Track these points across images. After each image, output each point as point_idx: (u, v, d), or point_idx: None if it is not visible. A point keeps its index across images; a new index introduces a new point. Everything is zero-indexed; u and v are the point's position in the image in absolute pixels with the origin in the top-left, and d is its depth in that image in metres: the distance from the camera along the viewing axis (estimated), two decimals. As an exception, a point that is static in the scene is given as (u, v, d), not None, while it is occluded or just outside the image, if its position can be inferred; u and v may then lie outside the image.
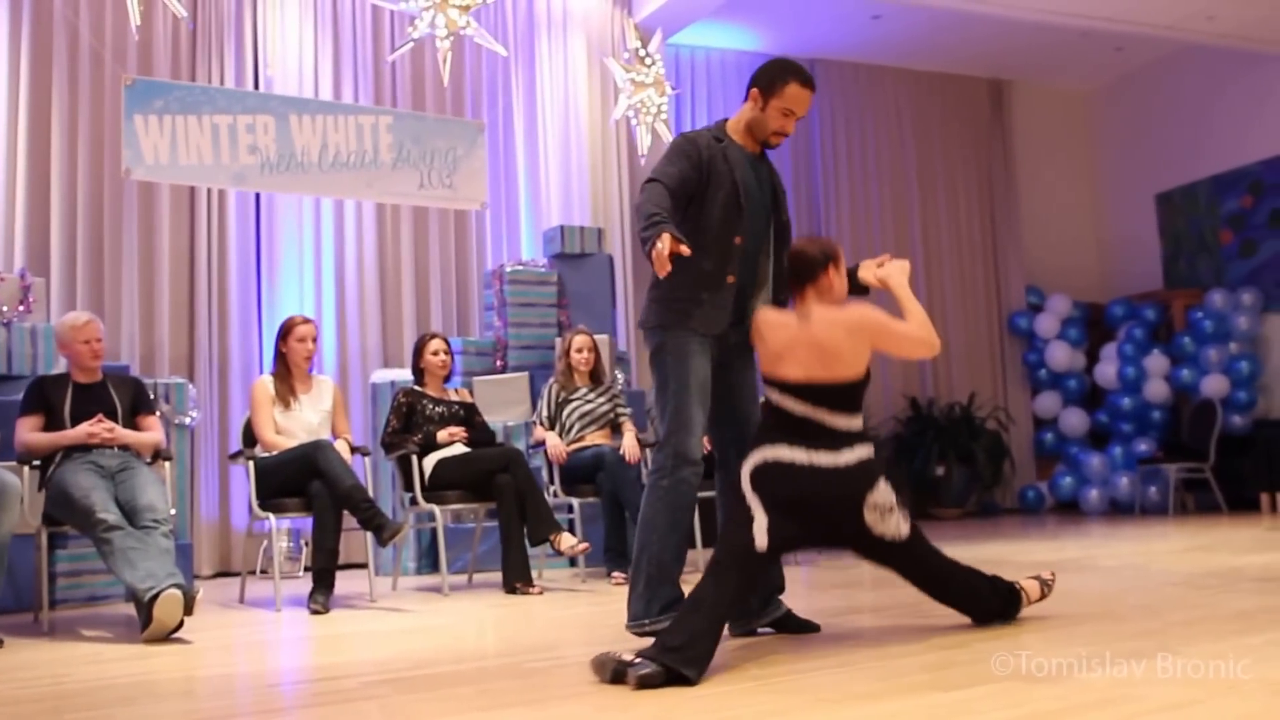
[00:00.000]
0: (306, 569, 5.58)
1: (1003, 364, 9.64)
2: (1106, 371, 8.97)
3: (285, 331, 4.70)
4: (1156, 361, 8.73)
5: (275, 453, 4.46)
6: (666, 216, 2.77)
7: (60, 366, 4.65)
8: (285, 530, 5.88)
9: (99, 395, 4.14)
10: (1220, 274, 9.11)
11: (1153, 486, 8.46)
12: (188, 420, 5.25)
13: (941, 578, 3.00)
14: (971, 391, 9.26)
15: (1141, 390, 8.79)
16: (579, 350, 5.32)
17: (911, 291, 3.08)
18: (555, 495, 5.12)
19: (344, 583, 4.68)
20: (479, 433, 5.01)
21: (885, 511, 2.85)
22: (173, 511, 3.97)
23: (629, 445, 5.09)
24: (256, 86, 6.64)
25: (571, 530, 5.01)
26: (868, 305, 2.97)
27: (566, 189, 7.47)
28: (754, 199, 3.05)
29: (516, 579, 4.60)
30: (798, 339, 2.93)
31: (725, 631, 2.74)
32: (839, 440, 2.85)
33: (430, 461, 4.81)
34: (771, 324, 3.01)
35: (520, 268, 6.61)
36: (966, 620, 3.11)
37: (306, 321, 4.74)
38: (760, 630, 3.12)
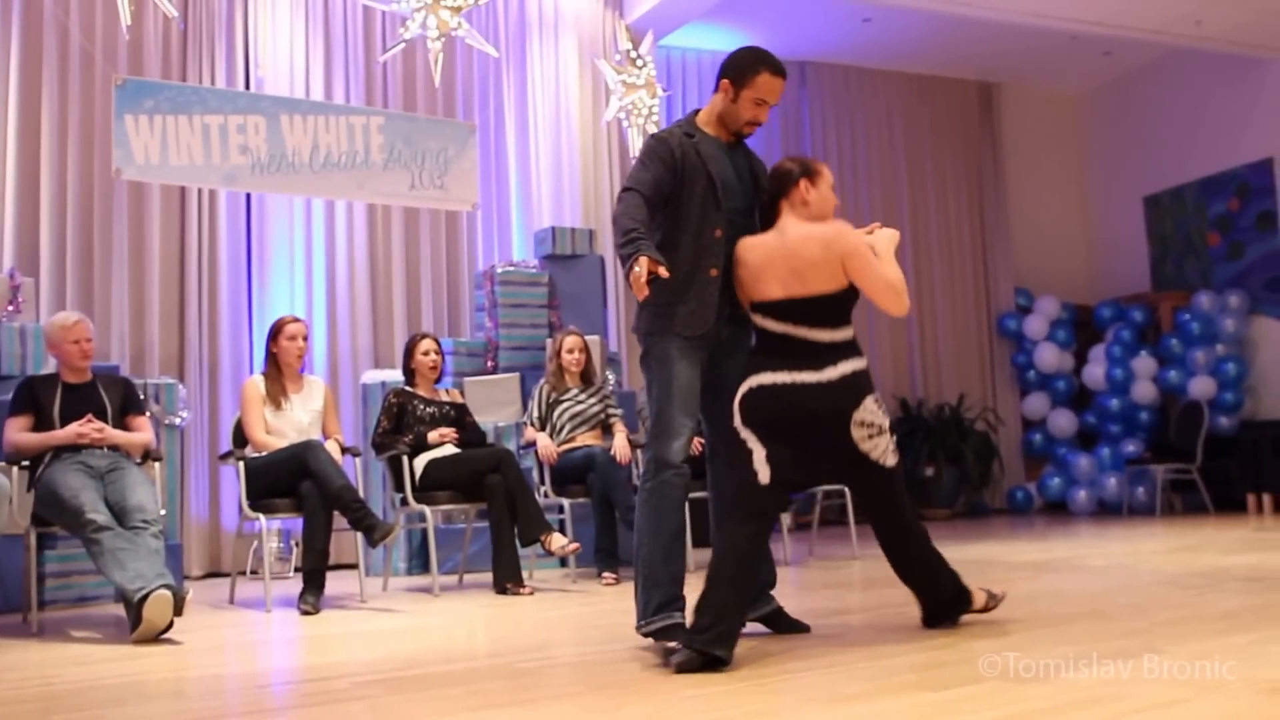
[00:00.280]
0: (297, 569, 5.57)
1: (991, 365, 9.68)
2: (1095, 373, 9.02)
3: (276, 331, 4.70)
4: (1144, 363, 8.78)
5: (266, 453, 4.46)
6: (644, 233, 2.79)
7: (50, 367, 4.64)
8: (275, 531, 5.87)
9: (88, 395, 4.13)
10: (1207, 276, 9.17)
11: (1140, 487, 8.51)
12: (178, 420, 5.24)
13: (910, 537, 2.98)
14: (960, 393, 9.30)
15: (1129, 391, 8.84)
16: (570, 351, 5.33)
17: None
18: (546, 496, 5.12)
19: (334, 583, 4.68)
20: (470, 433, 5.01)
21: (874, 432, 2.83)
22: (162, 512, 3.96)
23: (620, 446, 5.10)
24: (247, 87, 6.63)
25: (562, 531, 5.02)
26: (849, 229, 2.92)
27: (558, 190, 7.48)
28: (731, 190, 3.04)
29: (507, 579, 4.60)
30: (773, 255, 2.91)
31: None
32: (823, 356, 2.82)
33: (421, 462, 4.81)
34: (749, 245, 2.99)
35: (511, 269, 6.61)
36: (956, 620, 3.12)
37: (297, 321, 4.75)
38: (749, 624, 3.07)
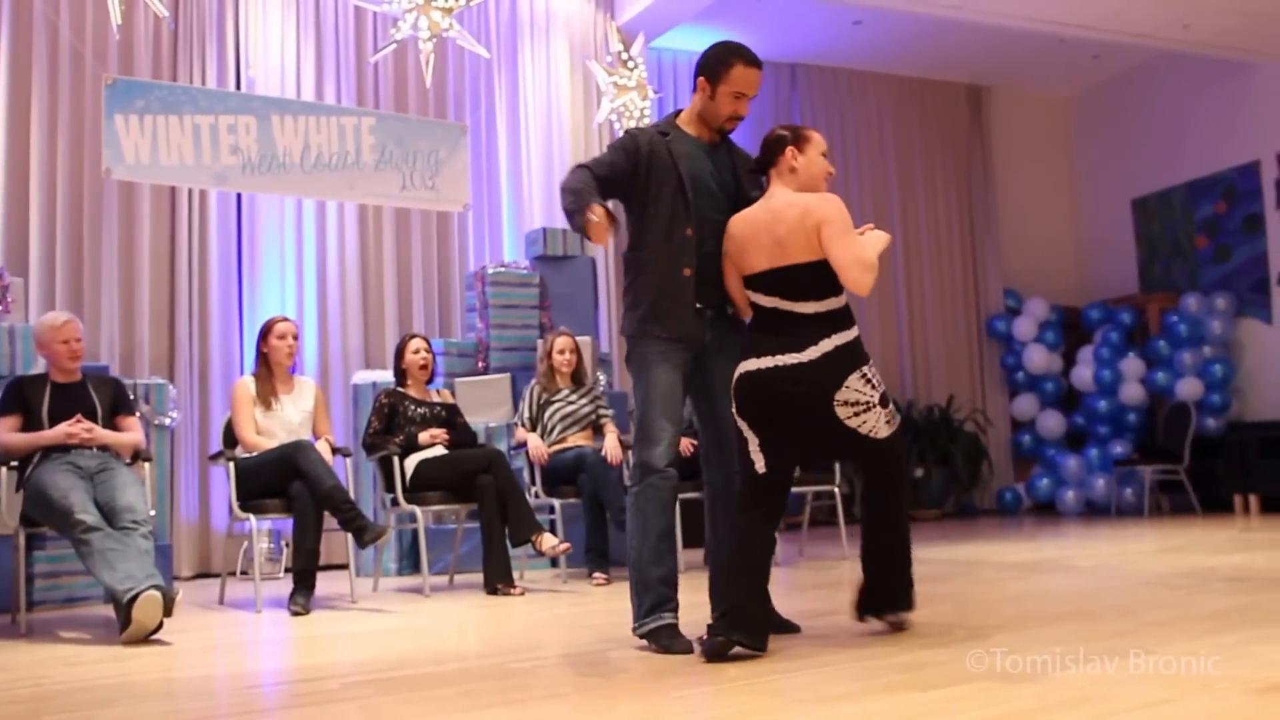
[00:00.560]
0: (287, 570, 5.57)
1: (981, 366, 9.71)
2: (1083, 374, 9.06)
3: (266, 331, 4.70)
4: (1132, 364, 8.82)
5: (256, 453, 4.45)
6: (593, 192, 2.78)
7: (39, 367, 4.62)
8: (266, 531, 5.86)
9: (78, 395, 4.11)
10: (1195, 278, 9.22)
11: (1128, 488, 8.55)
12: (168, 421, 5.22)
13: (892, 515, 2.92)
14: (950, 394, 9.34)
15: (1117, 393, 8.88)
16: (561, 352, 5.33)
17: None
18: (537, 496, 5.13)
19: (325, 584, 4.67)
20: (460, 434, 5.01)
21: (860, 409, 2.77)
22: (152, 513, 3.95)
23: (610, 446, 5.11)
24: (238, 87, 6.62)
25: (553, 531, 5.02)
26: (834, 198, 2.86)
27: (549, 191, 7.48)
28: (704, 189, 3.01)
29: (498, 580, 4.60)
30: (758, 225, 2.88)
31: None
32: (806, 332, 2.77)
33: (411, 463, 4.81)
34: (737, 218, 2.96)
35: (502, 269, 6.61)
36: (945, 620, 3.14)
37: (286, 320, 4.75)
38: None
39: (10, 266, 5.80)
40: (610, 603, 4.15)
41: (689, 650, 2.84)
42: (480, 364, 6.46)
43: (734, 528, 2.84)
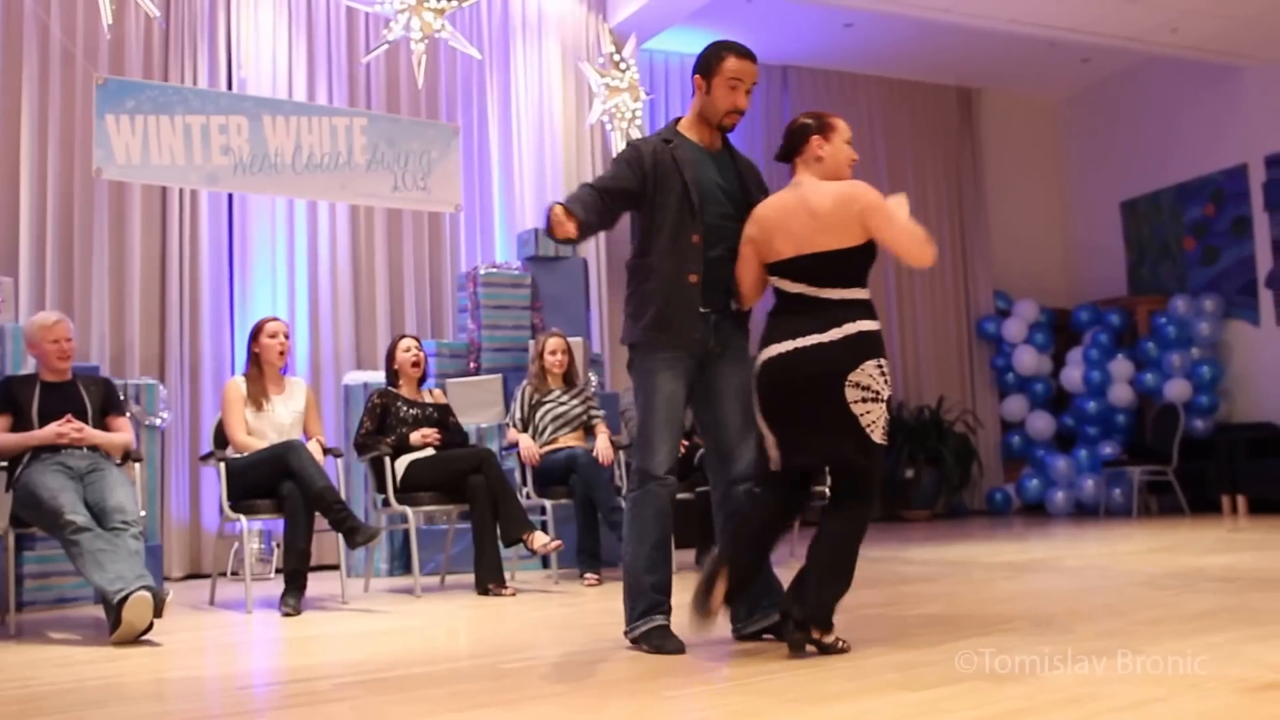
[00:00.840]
0: (278, 571, 5.56)
1: (971, 368, 9.75)
2: (1072, 375, 9.10)
3: (257, 331, 4.69)
4: (1121, 366, 8.87)
5: (247, 454, 4.44)
6: (573, 200, 2.81)
7: (29, 367, 4.61)
8: (256, 532, 5.85)
9: (68, 395, 4.10)
10: (1183, 280, 9.27)
11: (1117, 489, 8.59)
12: (158, 421, 5.21)
13: (846, 532, 2.79)
14: (940, 395, 9.36)
15: (1106, 394, 8.92)
16: (553, 352, 5.34)
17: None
18: (528, 497, 5.13)
19: (316, 584, 4.67)
20: (452, 434, 5.01)
21: (869, 396, 2.73)
22: (142, 513, 3.94)
23: (602, 447, 5.11)
24: (230, 87, 6.60)
25: (544, 532, 5.02)
26: (865, 184, 2.87)
27: (541, 192, 7.48)
28: (711, 194, 3.02)
29: (489, 580, 4.60)
30: (787, 211, 2.87)
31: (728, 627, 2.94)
32: (831, 314, 2.76)
33: (402, 463, 4.81)
34: (764, 203, 2.96)
35: (494, 270, 6.61)
36: (936, 620, 3.15)
37: (277, 320, 4.75)
38: (749, 634, 3.04)
39: (0, 267, 5.78)
40: (602, 603, 4.15)
41: (681, 650, 2.85)
42: (472, 365, 6.46)
43: (748, 520, 2.91)
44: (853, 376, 2.73)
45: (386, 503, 4.76)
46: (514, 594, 4.57)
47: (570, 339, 5.59)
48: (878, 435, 2.77)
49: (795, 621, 2.75)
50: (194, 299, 6.48)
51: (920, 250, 2.82)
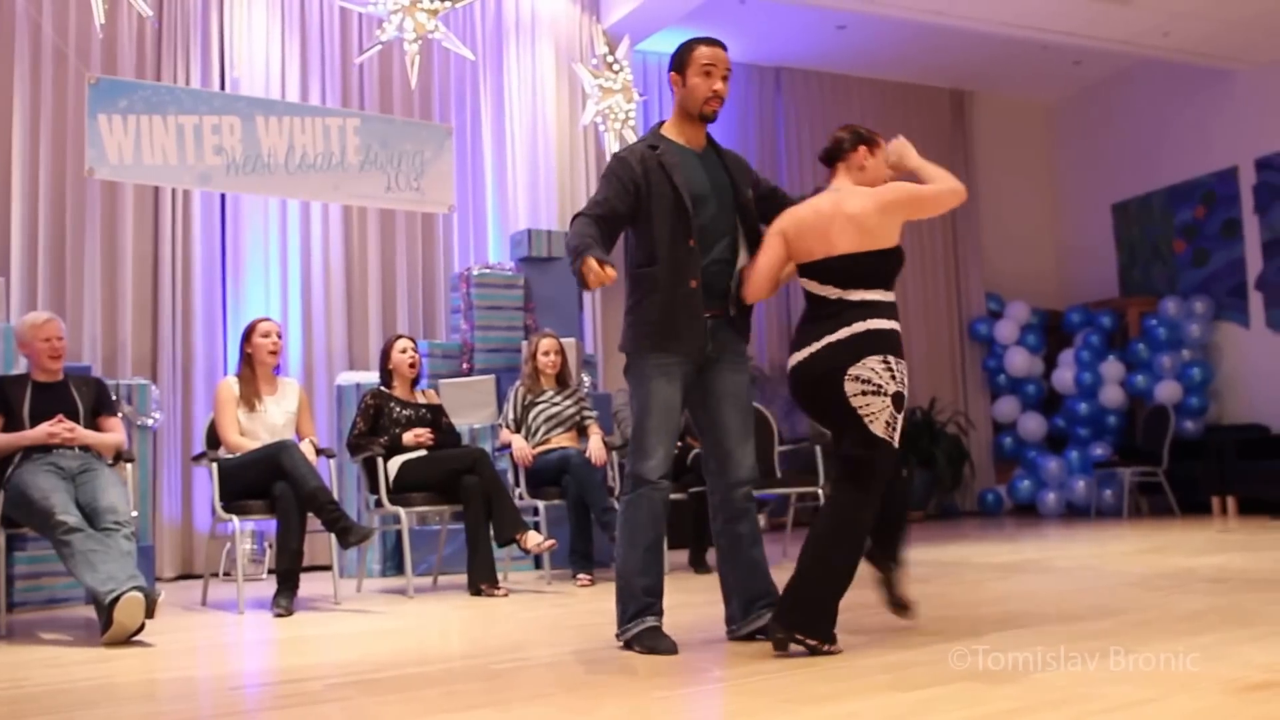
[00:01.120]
0: (270, 571, 5.55)
1: (963, 369, 9.77)
2: (1064, 377, 9.13)
3: (249, 331, 4.69)
4: (1112, 367, 8.90)
5: (239, 454, 4.44)
6: (593, 241, 2.84)
7: (21, 367, 4.59)
8: (249, 532, 5.84)
9: (60, 395, 4.09)
10: (1174, 282, 9.31)
11: (1108, 490, 8.62)
12: (150, 422, 5.20)
13: (839, 521, 2.78)
14: (932, 396, 9.39)
15: (1097, 395, 8.95)
16: (546, 353, 5.34)
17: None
18: (521, 498, 5.13)
19: (308, 585, 4.66)
20: (445, 435, 5.01)
21: (869, 389, 2.79)
22: (134, 513, 3.93)
23: (595, 448, 5.11)
24: (223, 87, 6.59)
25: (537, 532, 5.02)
26: (895, 182, 3.02)
27: (534, 193, 7.49)
28: (703, 197, 3.02)
29: (482, 580, 4.60)
30: (822, 214, 2.95)
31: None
32: (845, 317, 2.84)
33: (395, 464, 4.80)
34: (805, 207, 3.01)
35: (487, 271, 6.61)
36: (928, 621, 3.16)
37: (270, 320, 4.75)
38: (743, 635, 3.03)
39: (-9, 266, 5.77)
40: (594, 603, 4.16)
41: (673, 650, 2.85)
42: (465, 365, 6.45)
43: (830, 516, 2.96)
44: (852, 370, 2.80)
45: (379, 503, 4.76)
46: (506, 594, 4.57)
47: (563, 340, 5.59)
48: (878, 428, 2.80)
49: (774, 618, 2.78)
50: (186, 299, 6.47)
51: (957, 190, 3.03)
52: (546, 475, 5.11)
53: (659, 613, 2.96)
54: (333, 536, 4.29)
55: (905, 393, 2.87)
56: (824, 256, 2.91)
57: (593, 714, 2.22)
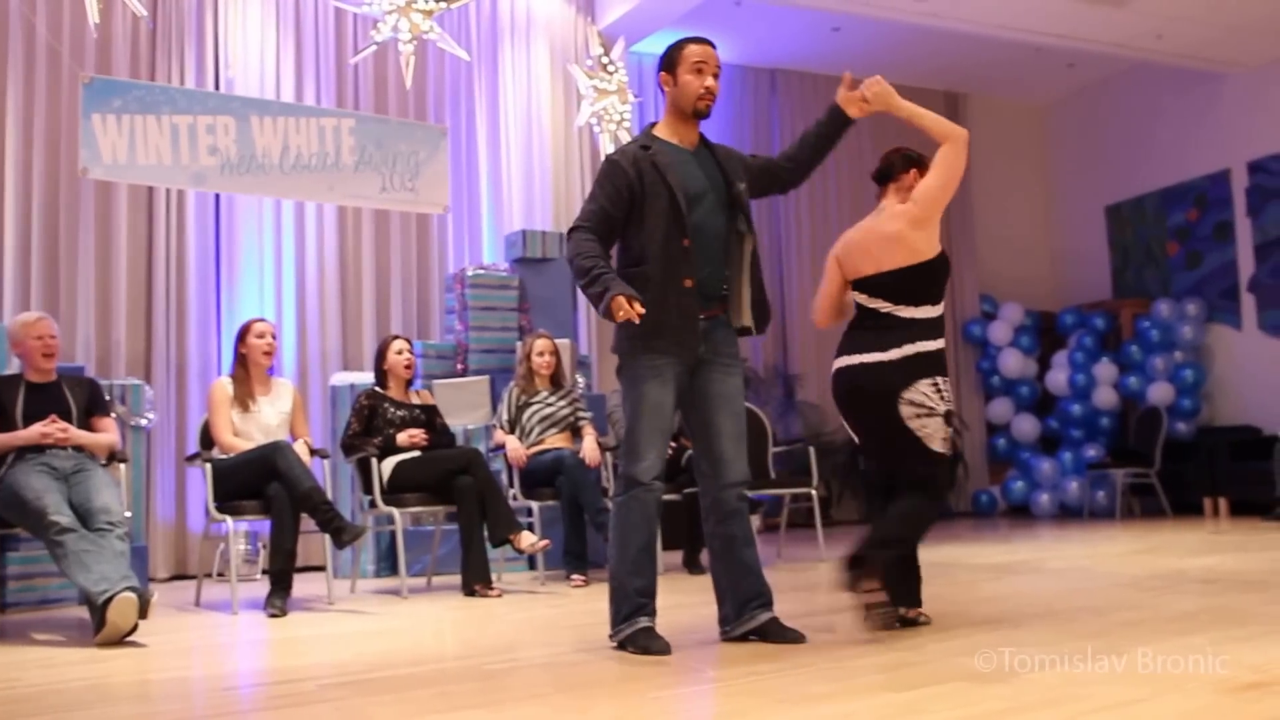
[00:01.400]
0: (264, 572, 5.54)
1: (957, 371, 9.78)
2: (1057, 378, 9.15)
3: (243, 332, 4.68)
4: (1105, 369, 8.92)
5: (233, 454, 4.43)
6: (605, 265, 2.89)
7: (14, 367, 4.58)
8: (242, 533, 5.83)
9: (53, 395, 4.08)
10: (1167, 284, 9.34)
11: (1101, 491, 8.65)
12: (144, 422, 5.19)
13: (907, 516, 3.05)
14: (927, 398, 9.39)
15: (1091, 397, 8.98)
16: (540, 354, 5.34)
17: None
18: (515, 498, 5.13)
19: (302, 585, 4.66)
20: (440, 435, 5.01)
21: (923, 413, 3.00)
22: (128, 514, 3.92)
23: (589, 449, 5.12)
24: (217, 87, 6.59)
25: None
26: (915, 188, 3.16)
27: (529, 193, 7.49)
28: (697, 196, 3.02)
29: (476, 581, 4.60)
30: (868, 233, 3.17)
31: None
32: (895, 333, 3.03)
33: (389, 464, 4.80)
34: (854, 228, 3.24)
35: (482, 271, 6.61)
36: (922, 622, 3.17)
37: (264, 321, 4.74)
38: (737, 636, 3.02)
39: (-16, 266, 5.76)
40: (588, 604, 4.16)
41: (667, 651, 2.85)
42: (459, 366, 6.45)
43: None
44: (906, 394, 3.01)
45: (373, 504, 4.75)
46: (500, 595, 4.57)
47: (557, 340, 5.59)
48: (936, 445, 3.04)
49: (849, 557, 2.93)
50: (180, 299, 6.46)
51: (960, 137, 3.18)
52: (540, 476, 5.11)
53: (652, 613, 2.97)
54: (327, 537, 4.29)
55: (954, 409, 3.12)
56: (872, 273, 3.12)
57: (586, 714, 2.23)
